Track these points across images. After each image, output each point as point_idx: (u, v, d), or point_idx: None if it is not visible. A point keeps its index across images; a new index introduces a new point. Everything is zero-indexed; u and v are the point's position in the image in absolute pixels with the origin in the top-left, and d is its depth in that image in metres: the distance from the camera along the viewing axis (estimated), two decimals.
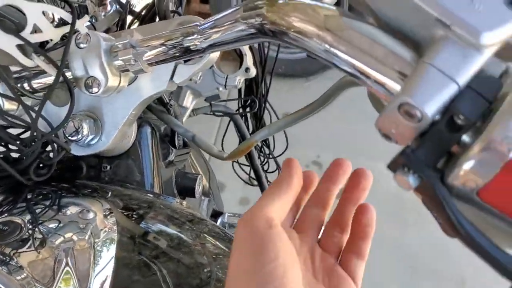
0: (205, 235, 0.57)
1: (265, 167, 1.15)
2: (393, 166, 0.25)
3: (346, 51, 0.31)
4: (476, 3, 0.24)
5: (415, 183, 0.24)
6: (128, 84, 0.52)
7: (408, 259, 1.92)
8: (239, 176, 1.29)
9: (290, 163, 0.39)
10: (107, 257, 0.50)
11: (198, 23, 0.42)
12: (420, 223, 2.00)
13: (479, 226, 0.24)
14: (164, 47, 0.44)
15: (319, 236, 0.44)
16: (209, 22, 0.40)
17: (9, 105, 0.51)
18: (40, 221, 0.51)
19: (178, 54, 0.45)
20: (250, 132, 1.02)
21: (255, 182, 1.21)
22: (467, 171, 0.23)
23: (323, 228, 0.44)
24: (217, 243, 0.57)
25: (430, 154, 0.24)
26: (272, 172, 1.16)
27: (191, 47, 0.42)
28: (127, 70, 0.48)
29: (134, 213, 0.56)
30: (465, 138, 0.23)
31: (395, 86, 0.27)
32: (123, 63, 0.47)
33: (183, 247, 0.53)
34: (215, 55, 0.56)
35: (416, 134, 0.25)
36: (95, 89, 0.48)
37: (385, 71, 0.28)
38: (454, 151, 0.24)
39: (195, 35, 0.41)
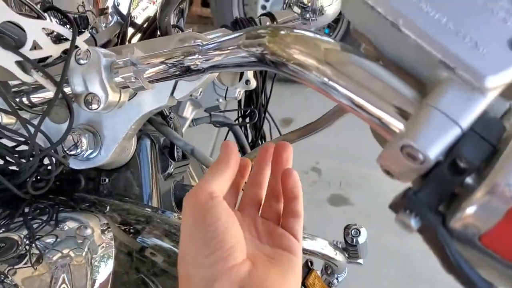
0: None
1: None
2: (395, 207, 0.25)
3: (345, 85, 0.30)
4: (480, 46, 0.23)
5: (416, 225, 0.24)
6: (129, 99, 0.52)
7: (407, 268, 1.91)
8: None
9: (227, 146, 0.43)
10: (105, 273, 0.50)
11: (200, 43, 0.42)
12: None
13: (478, 266, 0.24)
14: (164, 65, 0.44)
15: (260, 211, 0.48)
16: (211, 44, 0.40)
17: (7, 119, 0.50)
18: (38, 236, 0.51)
19: (178, 73, 0.45)
20: (249, 142, 1.02)
21: None
22: (469, 215, 0.22)
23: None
24: None
25: (432, 197, 0.23)
26: None
27: (192, 67, 0.42)
28: (128, 87, 0.48)
29: (131, 227, 0.56)
30: (468, 180, 0.23)
31: (397, 124, 0.27)
32: (124, 80, 0.46)
33: None
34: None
35: (418, 175, 0.24)
36: (94, 106, 0.47)
37: (386, 108, 0.27)
38: (456, 193, 0.24)
39: (196, 55, 0.41)
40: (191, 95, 0.56)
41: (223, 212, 0.36)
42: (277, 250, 0.42)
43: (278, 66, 0.33)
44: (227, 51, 0.38)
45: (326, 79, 0.30)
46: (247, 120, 0.99)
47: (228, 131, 0.94)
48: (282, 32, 0.32)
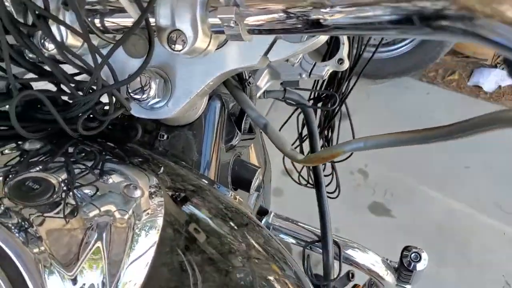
0: (257, 245, 0.48)
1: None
2: None
3: None
4: None
5: None
6: (216, 49, 0.43)
7: None
8: (289, 175, 1.19)
9: None
10: (147, 244, 0.41)
11: None
12: (459, 262, 1.86)
13: None
14: (277, 15, 0.35)
15: None
16: None
17: (73, 41, 0.42)
18: (77, 184, 0.43)
19: (292, 27, 0.35)
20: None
21: (303, 181, 1.12)
22: None
23: None
24: (267, 255, 0.48)
25: None
26: (327, 175, 1.06)
27: (318, 20, 0.32)
28: (222, 33, 0.38)
29: (185, 198, 0.48)
30: None
31: None
32: (220, 23, 0.37)
33: (233, 258, 0.44)
34: (324, 37, 0.46)
35: None
36: (178, 46, 0.39)
37: None
38: None
39: (327, 9, 0.31)
40: (287, 60, 0.46)
41: None
42: None
43: (475, 28, 0.22)
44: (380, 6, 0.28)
45: None
46: (320, 104, 0.89)
47: (294, 111, 0.85)
48: None
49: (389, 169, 2.18)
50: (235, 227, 0.48)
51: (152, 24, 0.39)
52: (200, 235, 0.45)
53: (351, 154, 1.07)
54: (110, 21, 0.42)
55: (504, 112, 0.33)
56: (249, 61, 0.45)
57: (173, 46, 0.39)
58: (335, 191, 1.07)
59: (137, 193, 0.43)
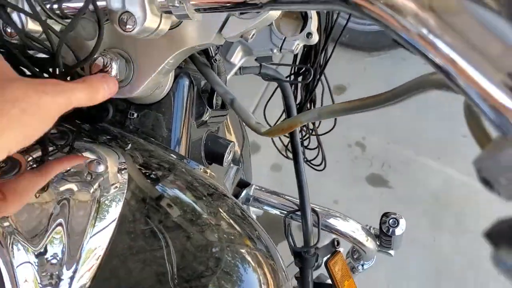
0: (224, 213, 0.50)
1: (305, 142, 1.07)
2: (497, 237, 0.17)
3: (450, 42, 0.22)
4: None
5: None
6: (170, 28, 0.45)
7: (435, 263, 1.82)
8: (274, 145, 1.22)
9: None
10: (110, 217, 0.44)
11: None
12: (455, 230, 1.88)
13: None
14: None
15: None
16: None
17: (33, 26, 0.44)
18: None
19: (231, 5, 0.37)
20: (297, 103, 0.94)
21: (290, 155, 1.14)
22: None
23: None
24: (234, 225, 0.51)
25: None
26: (313, 149, 1.08)
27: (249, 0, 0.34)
28: (170, 13, 0.40)
29: (152, 172, 0.50)
30: None
31: None
32: (166, 3, 0.39)
33: (196, 223, 0.47)
34: (276, 13, 0.47)
35: None
36: (129, 27, 0.41)
37: (502, 83, 0.19)
38: None
39: None
40: (241, 36, 0.48)
41: None
42: None
43: (360, 7, 0.24)
44: None
45: (425, 31, 0.22)
46: (300, 78, 0.91)
47: (277, 87, 0.86)
48: None
49: (387, 141, 2.19)
50: (203, 198, 0.51)
51: (104, 7, 0.41)
52: (166, 205, 0.47)
53: (334, 125, 1.10)
54: (68, 6, 0.44)
55: (432, 75, 0.35)
56: (204, 39, 0.47)
57: (124, 27, 0.41)
58: (321, 163, 1.10)
59: (101, 168, 0.45)
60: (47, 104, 0.35)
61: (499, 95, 0.22)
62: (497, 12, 0.22)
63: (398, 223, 0.83)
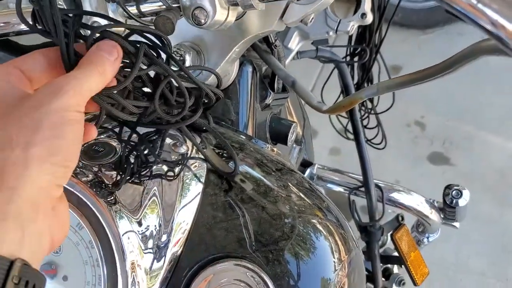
0: (293, 187, 0.55)
1: (365, 122, 1.09)
2: None
3: (498, 9, 0.25)
4: None
5: None
6: (235, 20, 0.50)
7: (501, 238, 1.77)
8: (334, 127, 1.24)
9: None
10: (194, 192, 0.50)
11: None
12: None
13: None
14: None
15: None
16: None
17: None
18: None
19: None
20: (354, 83, 0.96)
21: (351, 136, 1.16)
22: None
23: None
24: (304, 197, 0.55)
25: None
26: (372, 128, 1.10)
27: None
28: (237, 4, 0.45)
29: (225, 151, 0.55)
30: None
31: None
32: None
33: (268, 195, 0.51)
34: None
35: None
36: (201, 21, 0.46)
37: None
38: None
39: None
40: (301, 21, 0.52)
41: None
42: None
43: None
44: None
45: (474, 1, 0.25)
46: (356, 59, 0.93)
47: (334, 68, 0.89)
48: None
49: (446, 118, 2.14)
50: (272, 173, 0.56)
51: (177, 5, 0.47)
52: (239, 180, 0.52)
53: (393, 103, 1.11)
54: (146, 7, 0.50)
55: (483, 42, 0.37)
56: (267, 26, 0.52)
57: (197, 21, 0.46)
58: (381, 142, 1.11)
59: (183, 148, 0.51)
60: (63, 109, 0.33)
61: None
62: None
63: (461, 194, 0.84)
